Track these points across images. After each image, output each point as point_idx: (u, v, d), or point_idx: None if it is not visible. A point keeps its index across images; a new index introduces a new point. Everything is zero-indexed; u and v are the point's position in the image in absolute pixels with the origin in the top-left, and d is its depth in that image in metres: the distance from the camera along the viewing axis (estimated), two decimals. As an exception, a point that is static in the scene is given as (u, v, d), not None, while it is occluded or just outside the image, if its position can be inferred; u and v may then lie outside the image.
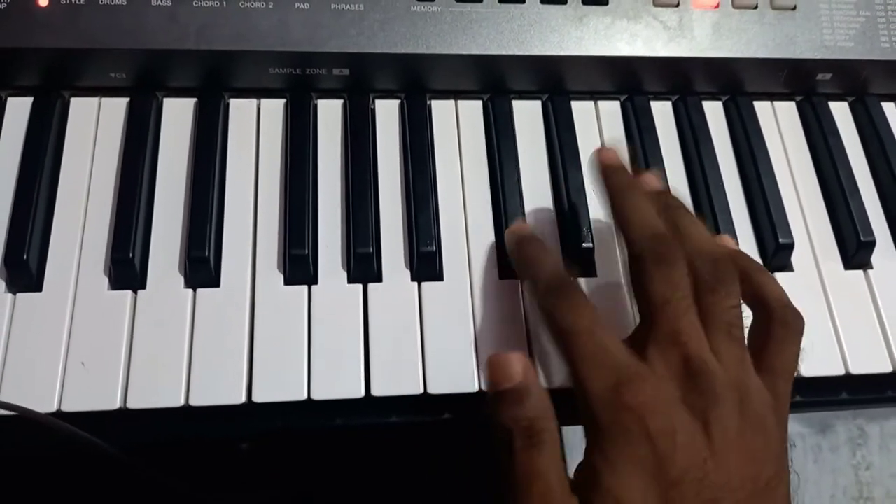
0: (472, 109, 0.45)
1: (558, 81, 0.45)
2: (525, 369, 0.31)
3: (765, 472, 0.30)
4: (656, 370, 0.30)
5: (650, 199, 0.37)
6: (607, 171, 0.38)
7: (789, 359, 0.33)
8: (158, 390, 0.36)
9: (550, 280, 0.34)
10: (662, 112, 0.47)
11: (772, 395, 0.32)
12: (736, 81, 0.47)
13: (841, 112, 0.48)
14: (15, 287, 0.38)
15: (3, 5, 0.40)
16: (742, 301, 0.34)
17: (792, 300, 0.39)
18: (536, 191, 0.43)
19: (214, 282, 0.39)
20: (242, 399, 0.36)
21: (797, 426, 1.08)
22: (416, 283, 0.40)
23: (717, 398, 0.30)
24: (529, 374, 0.31)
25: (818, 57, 0.45)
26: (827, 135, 0.47)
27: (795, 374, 0.35)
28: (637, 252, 0.34)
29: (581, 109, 0.46)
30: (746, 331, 0.34)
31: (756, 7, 0.45)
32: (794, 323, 0.33)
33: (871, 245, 0.43)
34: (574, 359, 0.31)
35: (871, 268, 0.44)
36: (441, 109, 0.45)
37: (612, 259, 0.42)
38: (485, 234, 0.42)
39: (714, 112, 0.47)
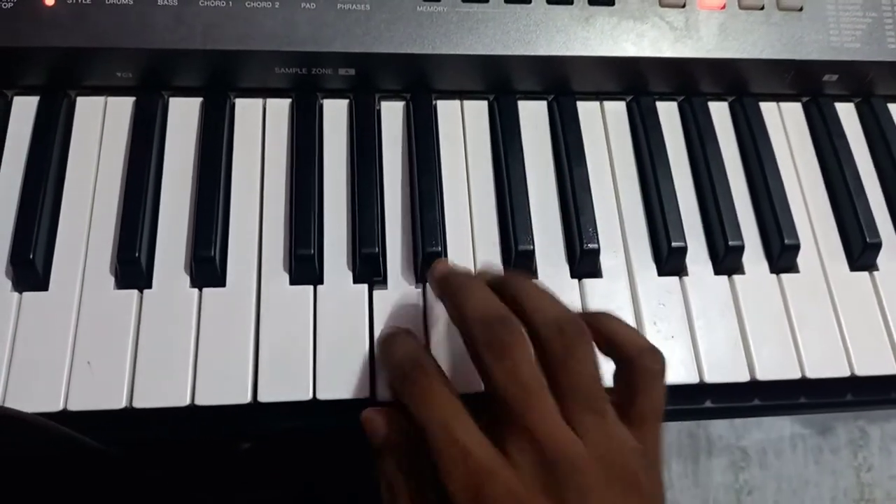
0: (478, 110, 0.45)
1: (564, 82, 0.45)
2: (387, 420, 0.33)
3: None
4: (515, 461, 0.29)
5: (489, 284, 0.34)
6: (441, 281, 0.36)
7: (655, 403, 0.32)
8: (164, 390, 0.36)
9: (401, 362, 0.33)
10: (668, 113, 0.47)
11: (642, 444, 0.31)
12: (742, 82, 0.47)
13: (847, 113, 0.48)
14: (21, 286, 0.38)
15: (10, 4, 0.40)
16: (600, 351, 0.33)
17: (799, 301, 0.39)
18: (542, 191, 0.43)
19: (220, 281, 0.39)
20: (248, 399, 0.37)
21: (798, 427, 1.08)
22: (421, 284, 0.40)
23: (577, 484, 0.28)
24: (394, 423, 0.33)
25: (825, 58, 0.45)
26: (833, 136, 0.46)
27: (802, 376, 0.35)
28: (472, 342, 0.31)
29: (587, 110, 0.46)
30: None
31: (762, 8, 0.45)
32: (654, 366, 0.32)
33: (877, 247, 0.43)
34: (431, 452, 0.30)
35: (877, 269, 0.44)
36: (447, 109, 0.45)
37: (618, 260, 0.42)
38: (490, 236, 0.42)
39: (720, 113, 0.47)
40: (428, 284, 0.39)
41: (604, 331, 0.33)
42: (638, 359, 0.32)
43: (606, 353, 0.33)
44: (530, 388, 0.30)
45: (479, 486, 0.28)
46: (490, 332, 0.31)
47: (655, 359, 0.32)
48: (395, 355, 0.34)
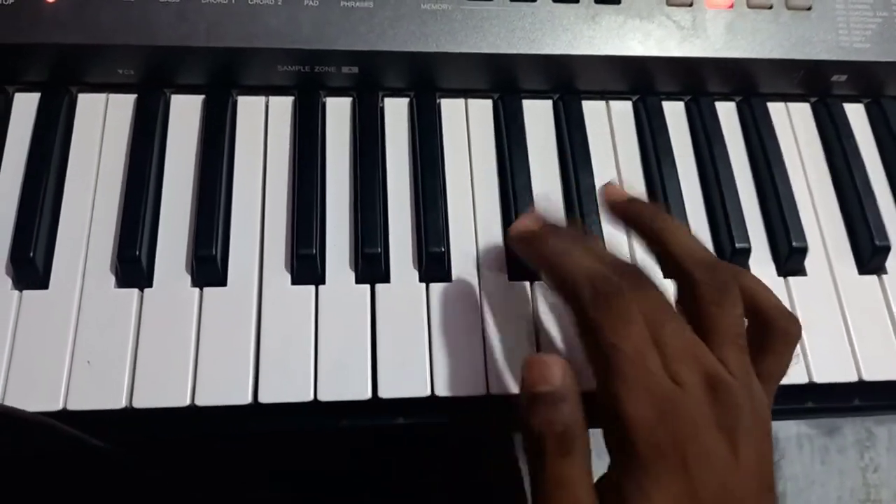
0: (483, 109, 0.45)
1: (570, 81, 0.45)
2: (564, 373, 0.30)
3: (770, 470, 0.30)
4: (688, 392, 0.29)
5: (626, 214, 0.36)
6: (521, 240, 0.35)
7: (784, 366, 0.33)
8: (164, 390, 0.36)
9: (593, 280, 0.31)
10: (675, 113, 0.46)
11: (767, 398, 0.32)
12: (750, 82, 0.46)
13: (856, 114, 0.48)
14: (21, 284, 0.38)
15: (11, 0, 0.39)
16: None
17: (806, 305, 0.39)
18: (547, 192, 0.43)
19: (221, 281, 0.39)
20: (248, 399, 0.36)
21: (804, 427, 1.07)
22: (424, 284, 0.39)
23: (739, 411, 0.29)
24: (568, 378, 0.30)
25: (834, 58, 0.45)
26: (842, 137, 0.46)
27: (809, 380, 0.35)
28: (578, 309, 0.31)
29: (592, 109, 0.46)
30: None
31: (771, 7, 0.45)
32: (793, 332, 0.33)
33: (887, 250, 0.43)
34: (616, 379, 0.29)
35: (886, 273, 0.43)
36: (451, 108, 0.45)
37: (624, 258, 0.42)
38: (494, 235, 0.41)
39: (727, 113, 0.47)
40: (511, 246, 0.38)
41: (745, 287, 0.33)
42: (778, 320, 0.33)
43: (746, 307, 0.33)
44: (679, 321, 0.31)
45: (668, 415, 0.29)
46: (630, 273, 0.32)
47: (796, 323, 0.33)
48: (581, 266, 0.32)
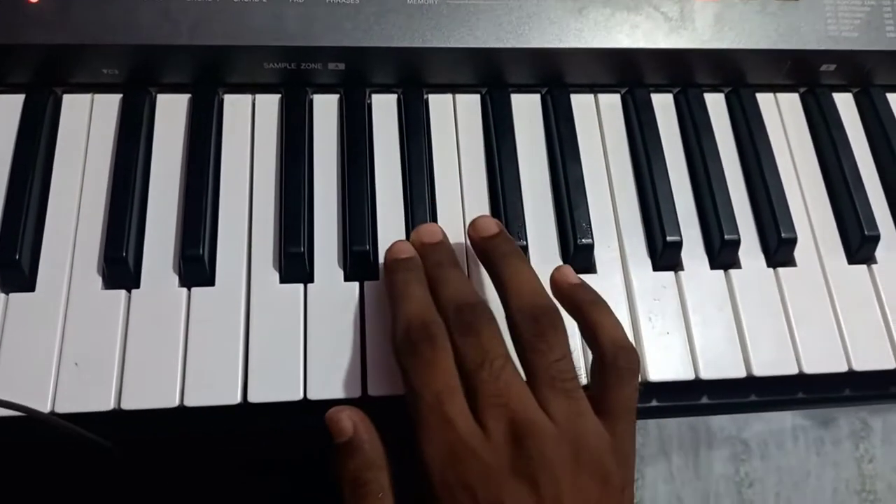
0: (470, 103, 0.45)
1: (557, 74, 0.45)
2: (355, 424, 0.33)
3: None
4: (490, 438, 0.31)
5: (482, 258, 0.37)
6: (423, 252, 0.37)
7: (626, 400, 0.33)
8: (153, 391, 0.36)
9: (410, 326, 0.33)
10: (663, 105, 0.46)
11: (611, 436, 0.32)
12: (738, 73, 0.46)
13: (845, 104, 0.48)
14: (7, 287, 0.38)
15: (-7, 1, 0.39)
16: (583, 337, 0.35)
17: (796, 296, 0.39)
18: (535, 186, 0.43)
19: (209, 280, 0.38)
20: (238, 399, 0.36)
21: (799, 419, 1.07)
22: (413, 281, 0.39)
23: (544, 459, 0.30)
24: (359, 427, 0.33)
25: (822, 48, 0.45)
26: (831, 127, 0.46)
27: (799, 371, 0.35)
28: (446, 319, 0.33)
29: (581, 103, 0.45)
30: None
31: (759, -3, 0.44)
32: (626, 365, 0.33)
33: (876, 239, 0.43)
34: (416, 424, 0.32)
35: (875, 262, 0.43)
36: (438, 104, 0.44)
37: (612, 255, 0.42)
38: (483, 231, 0.41)
39: (716, 104, 0.47)
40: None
41: (588, 318, 0.35)
42: (610, 355, 0.33)
43: (586, 340, 0.35)
44: (499, 363, 0.32)
45: (459, 460, 0.30)
46: (460, 315, 0.33)
47: (628, 358, 0.33)
48: (405, 312, 0.34)
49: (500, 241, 0.37)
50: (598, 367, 0.34)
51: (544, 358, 0.32)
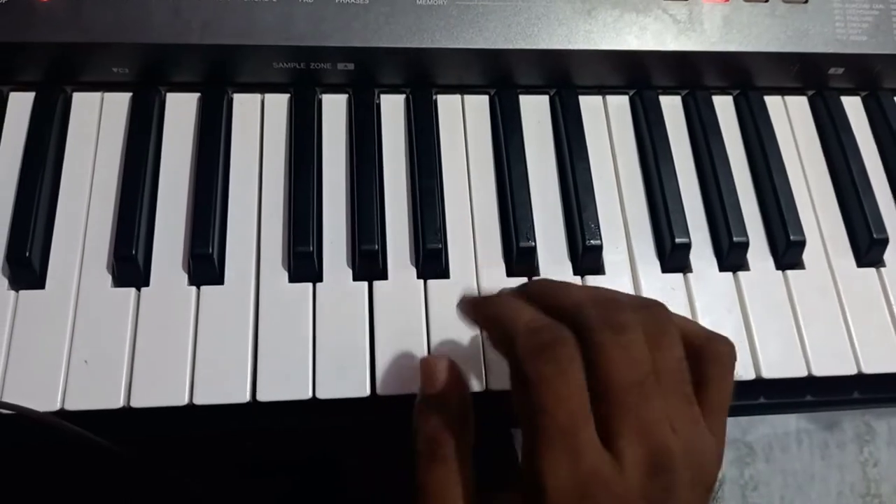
0: (479, 104, 0.45)
1: (566, 76, 0.45)
2: (450, 378, 0.30)
3: None
4: (623, 465, 0.27)
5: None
6: (477, 307, 0.32)
7: (727, 392, 0.30)
8: (162, 389, 0.36)
9: (536, 328, 0.28)
10: (672, 107, 0.46)
11: (713, 436, 0.29)
12: (746, 76, 0.46)
13: (853, 107, 0.48)
14: (18, 284, 0.38)
15: (4, 0, 0.39)
16: None
17: (805, 298, 0.39)
18: (544, 187, 0.43)
19: (218, 279, 0.39)
20: (247, 398, 0.36)
21: (804, 422, 1.07)
22: (422, 281, 0.39)
23: (675, 485, 0.27)
24: (452, 383, 0.30)
25: (830, 51, 0.45)
26: (839, 130, 0.46)
27: (808, 374, 0.35)
28: (514, 356, 0.28)
29: (589, 104, 0.45)
30: None
31: (767, 0, 0.44)
32: (726, 354, 0.30)
33: (885, 242, 0.43)
34: (541, 445, 0.27)
35: (884, 265, 0.43)
36: (447, 104, 0.44)
37: (621, 256, 0.42)
38: (492, 231, 0.41)
39: (724, 107, 0.47)
40: (461, 312, 0.34)
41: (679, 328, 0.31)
42: (708, 345, 0.30)
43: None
44: (651, 382, 0.28)
45: (587, 494, 0.26)
46: (606, 310, 0.28)
47: (725, 342, 0.30)
48: (522, 318, 0.29)
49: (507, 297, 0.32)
50: (696, 364, 0.30)
51: (670, 355, 0.28)
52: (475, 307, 0.33)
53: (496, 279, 0.40)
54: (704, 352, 0.30)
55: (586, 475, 0.26)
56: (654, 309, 0.29)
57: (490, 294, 0.33)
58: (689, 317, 0.40)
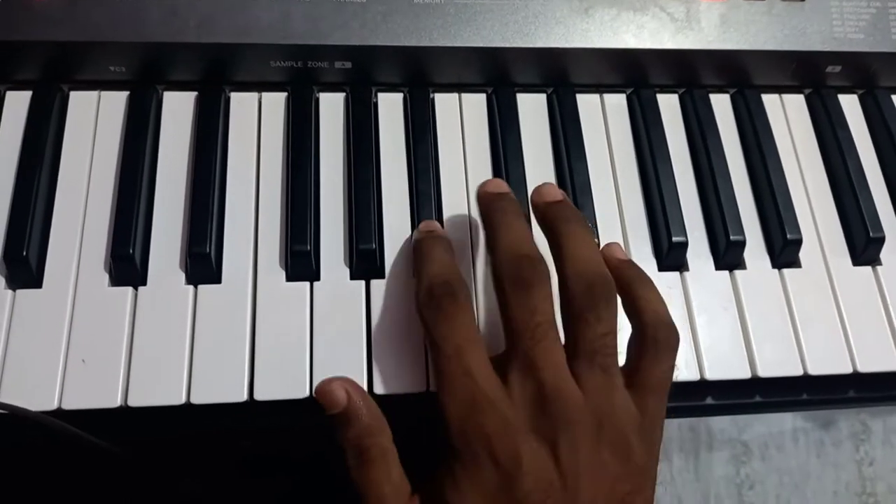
0: (476, 103, 0.45)
1: (563, 74, 0.45)
2: (348, 394, 0.33)
3: (620, 488, 0.31)
4: (513, 395, 0.31)
5: (540, 216, 0.36)
6: (486, 200, 0.37)
7: (660, 376, 0.33)
8: (159, 388, 0.36)
9: (432, 283, 0.33)
10: (669, 105, 0.46)
11: (640, 412, 0.32)
12: (744, 74, 0.46)
13: (850, 105, 0.48)
14: (15, 283, 0.38)
15: (1, -2, 0.39)
16: (625, 312, 0.35)
17: (801, 297, 0.39)
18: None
19: (216, 278, 0.39)
20: (244, 397, 0.36)
21: (800, 421, 1.07)
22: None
23: (567, 423, 0.30)
24: (353, 397, 0.33)
25: (827, 49, 0.45)
26: (836, 128, 0.46)
27: (804, 372, 0.35)
28: (498, 274, 0.33)
29: (586, 103, 0.45)
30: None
31: (765, -2, 0.45)
32: (665, 340, 0.33)
33: (881, 241, 0.43)
34: (437, 376, 0.32)
35: (881, 264, 0.43)
36: (444, 103, 0.44)
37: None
38: (489, 230, 0.41)
39: (721, 105, 0.47)
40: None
41: (633, 292, 0.34)
42: (651, 329, 0.33)
43: (628, 314, 0.34)
44: (543, 329, 0.31)
45: (476, 410, 0.30)
46: (520, 268, 0.32)
47: (668, 333, 0.33)
48: (428, 271, 0.34)
49: (564, 206, 0.36)
50: (637, 340, 0.33)
51: (591, 330, 0.32)
52: (415, 240, 0.37)
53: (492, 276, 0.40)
54: (645, 330, 0.33)
55: (475, 394, 0.30)
56: (595, 287, 0.32)
57: (499, 198, 0.36)
58: (685, 316, 0.40)
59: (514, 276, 0.32)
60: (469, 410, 0.30)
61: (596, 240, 0.40)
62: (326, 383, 0.33)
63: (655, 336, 0.33)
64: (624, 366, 0.33)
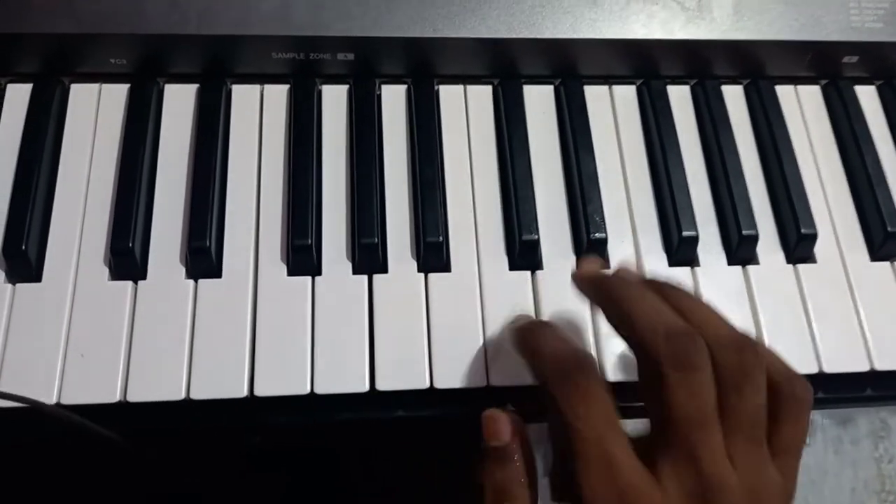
0: (482, 95, 0.44)
1: (571, 65, 0.44)
2: (514, 431, 0.31)
3: None
4: (667, 489, 0.28)
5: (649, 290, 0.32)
6: (597, 283, 0.34)
7: (801, 434, 0.31)
8: (159, 383, 0.36)
9: (559, 356, 0.30)
10: (680, 97, 0.45)
11: (783, 476, 0.30)
12: (757, 65, 0.45)
13: (868, 97, 0.46)
14: (14, 277, 0.37)
15: (1, -11, 0.39)
16: None
17: (816, 293, 0.38)
18: (548, 179, 0.42)
19: (216, 272, 0.38)
20: (244, 393, 0.36)
21: (817, 417, 1.06)
22: (422, 274, 0.39)
23: None
24: (518, 436, 0.31)
25: (844, 39, 0.43)
26: (853, 120, 0.45)
27: (819, 370, 0.35)
28: (653, 357, 0.29)
29: (595, 94, 0.44)
30: None
31: (779, -14, 0.43)
32: (804, 397, 0.30)
33: (899, 236, 0.41)
34: (577, 462, 0.28)
35: (899, 259, 0.42)
36: (449, 95, 0.44)
37: (627, 250, 0.41)
38: (494, 224, 0.40)
39: (734, 97, 0.45)
40: (574, 284, 0.35)
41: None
42: (787, 385, 0.30)
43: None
44: (707, 416, 0.28)
45: (623, 502, 0.27)
46: (677, 345, 0.29)
47: (804, 386, 0.30)
48: (551, 349, 0.31)
49: (661, 282, 0.33)
50: (773, 402, 0.30)
51: (748, 402, 0.29)
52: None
53: (499, 273, 0.39)
54: (782, 392, 0.30)
55: (624, 487, 0.27)
56: (745, 353, 0.29)
57: (611, 275, 0.34)
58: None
59: (675, 358, 0.28)
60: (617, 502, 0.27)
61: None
62: (496, 413, 0.32)
63: (795, 395, 0.30)
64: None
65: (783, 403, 0.30)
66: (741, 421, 0.29)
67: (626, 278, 0.33)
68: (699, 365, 0.28)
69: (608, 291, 0.32)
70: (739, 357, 0.29)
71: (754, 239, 0.41)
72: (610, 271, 0.35)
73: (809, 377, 0.38)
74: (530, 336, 0.33)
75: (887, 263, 0.42)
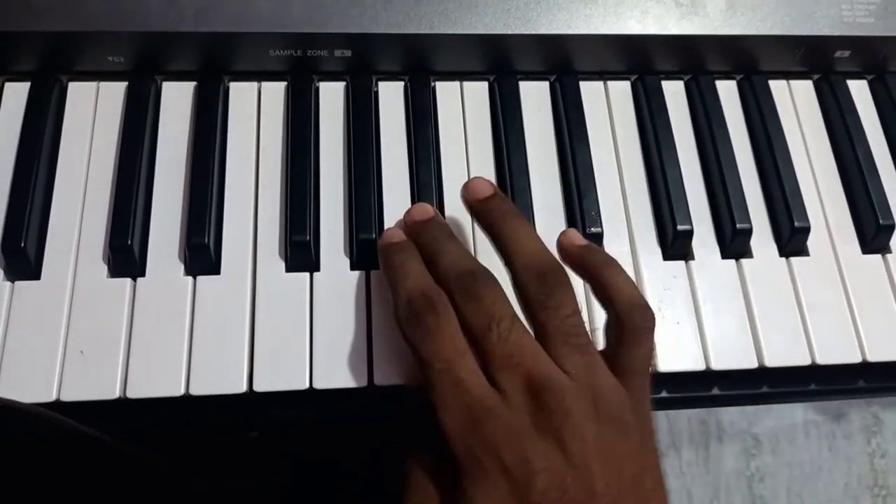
0: (478, 91, 0.44)
1: (566, 61, 0.44)
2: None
3: (628, 470, 0.30)
4: (507, 398, 0.30)
5: (478, 217, 0.37)
6: (415, 231, 0.37)
7: (641, 358, 0.33)
8: (158, 379, 0.36)
9: (410, 298, 0.33)
10: (674, 92, 0.45)
11: (629, 394, 0.32)
12: (750, 60, 0.45)
13: (859, 91, 0.47)
14: (13, 275, 0.38)
15: (-3, -12, 0.39)
16: (596, 299, 0.35)
17: (809, 286, 0.38)
18: (544, 174, 0.42)
19: (215, 269, 0.38)
20: (244, 388, 0.36)
21: (811, 414, 1.07)
22: (420, 270, 0.39)
23: (566, 411, 0.30)
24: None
25: (836, 33, 0.44)
26: (845, 114, 0.45)
27: (812, 362, 0.34)
28: (448, 290, 0.33)
29: (590, 90, 0.45)
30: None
31: (772, -18, 0.44)
32: (641, 323, 0.33)
33: (891, 228, 0.42)
34: (430, 394, 0.31)
35: (890, 252, 0.42)
36: (445, 91, 0.44)
37: (622, 244, 0.41)
38: (491, 219, 0.41)
39: (728, 91, 0.46)
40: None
41: (601, 278, 0.34)
42: (626, 313, 0.33)
43: (600, 300, 0.35)
44: (506, 324, 0.31)
45: (478, 422, 0.30)
46: (461, 282, 0.33)
47: (644, 315, 0.33)
48: (404, 286, 0.33)
49: (496, 203, 0.36)
50: (614, 326, 0.33)
51: (555, 315, 0.32)
52: (381, 252, 0.36)
53: (497, 267, 0.39)
54: (621, 318, 0.33)
55: (472, 406, 0.30)
56: (548, 275, 0.33)
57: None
58: (692, 306, 0.40)
59: (461, 292, 0.32)
60: (469, 423, 0.30)
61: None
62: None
63: (631, 320, 0.33)
64: (603, 351, 0.33)
65: (622, 329, 0.33)
66: (553, 332, 0.32)
67: (439, 227, 0.36)
68: (482, 294, 0.32)
69: (382, 264, 0.36)
70: (541, 279, 0.33)
71: (748, 232, 0.41)
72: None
73: (803, 369, 0.39)
74: (387, 266, 0.35)
75: (879, 256, 0.42)
